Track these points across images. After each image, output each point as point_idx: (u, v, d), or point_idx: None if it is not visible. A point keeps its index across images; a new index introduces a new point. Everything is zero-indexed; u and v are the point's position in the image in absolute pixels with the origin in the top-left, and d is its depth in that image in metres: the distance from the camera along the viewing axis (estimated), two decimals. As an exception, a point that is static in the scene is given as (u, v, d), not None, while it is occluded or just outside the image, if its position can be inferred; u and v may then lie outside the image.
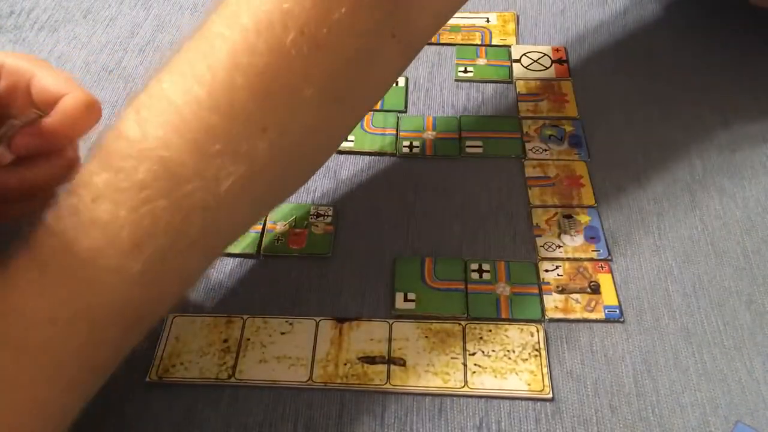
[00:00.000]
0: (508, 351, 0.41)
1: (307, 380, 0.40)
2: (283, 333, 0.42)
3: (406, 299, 0.43)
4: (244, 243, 0.46)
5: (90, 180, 0.33)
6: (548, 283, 0.44)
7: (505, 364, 0.40)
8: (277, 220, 0.47)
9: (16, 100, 0.40)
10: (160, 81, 0.35)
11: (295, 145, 0.37)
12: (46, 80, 0.40)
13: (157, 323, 0.37)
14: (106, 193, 0.33)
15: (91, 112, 0.40)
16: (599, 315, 0.43)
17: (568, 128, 0.53)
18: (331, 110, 0.39)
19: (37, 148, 0.40)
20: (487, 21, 0.62)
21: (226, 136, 0.34)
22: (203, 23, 0.36)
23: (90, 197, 0.33)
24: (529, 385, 0.40)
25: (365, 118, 0.54)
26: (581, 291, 0.44)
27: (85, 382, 0.34)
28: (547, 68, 0.58)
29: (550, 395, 0.39)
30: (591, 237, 0.46)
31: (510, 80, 0.57)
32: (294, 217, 0.48)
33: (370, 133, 0.53)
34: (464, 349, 0.41)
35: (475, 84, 0.57)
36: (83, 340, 0.33)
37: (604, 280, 0.44)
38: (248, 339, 0.42)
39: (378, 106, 0.55)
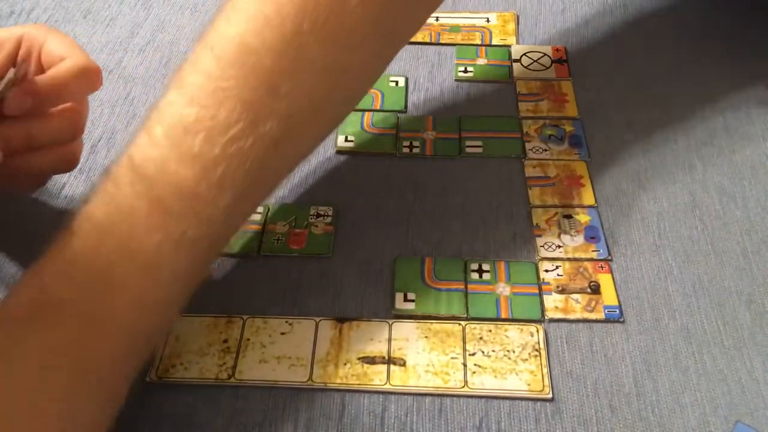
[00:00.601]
0: (508, 351, 0.41)
1: (307, 380, 0.40)
2: (283, 333, 0.42)
3: (406, 299, 0.43)
4: (244, 243, 0.46)
5: (180, 112, 0.36)
6: (548, 283, 0.44)
7: (505, 364, 0.40)
8: (277, 220, 0.48)
9: (31, 64, 0.44)
10: (228, 20, 0.38)
11: (349, 80, 0.41)
12: (53, 45, 0.43)
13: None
14: (197, 128, 0.35)
15: (84, 76, 0.43)
16: (599, 315, 0.43)
17: (568, 128, 0.53)
18: (381, 45, 0.42)
19: (31, 107, 0.41)
20: (487, 21, 0.62)
21: (293, 78, 0.37)
22: None
23: (182, 130, 0.36)
24: (529, 385, 0.40)
25: (365, 118, 0.54)
26: (581, 291, 0.44)
27: (175, 309, 0.37)
28: (547, 68, 0.58)
29: (550, 395, 0.39)
30: (591, 237, 0.46)
31: (510, 80, 0.57)
32: (294, 217, 0.48)
33: (370, 133, 0.53)
34: (464, 349, 0.41)
35: (475, 84, 0.57)
36: (186, 266, 0.36)
37: (604, 280, 0.44)
38: (248, 339, 0.42)
39: (378, 106, 0.55)
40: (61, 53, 0.43)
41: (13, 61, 0.44)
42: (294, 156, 0.42)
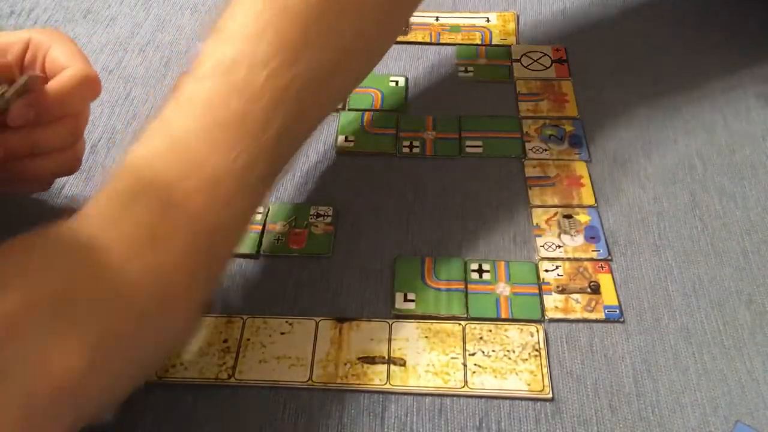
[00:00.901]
0: (508, 351, 0.41)
1: (307, 380, 0.40)
2: (283, 333, 0.42)
3: (406, 299, 0.43)
4: (244, 243, 0.46)
5: (223, 50, 0.39)
6: (548, 283, 0.44)
7: (505, 364, 0.40)
8: (277, 220, 0.48)
9: (36, 70, 0.44)
10: None
11: (371, 34, 0.44)
12: (57, 53, 0.44)
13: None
14: (240, 63, 0.38)
15: (85, 86, 0.44)
16: (599, 315, 0.43)
17: (568, 128, 0.53)
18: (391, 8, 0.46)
19: (35, 117, 0.42)
20: (487, 21, 0.62)
21: (323, 26, 0.41)
22: None
23: (228, 64, 0.38)
24: (529, 385, 0.40)
25: (365, 118, 0.54)
26: (581, 291, 0.44)
27: (232, 242, 0.39)
28: (547, 68, 0.58)
29: (550, 395, 0.39)
30: (591, 237, 0.46)
31: (510, 80, 0.57)
32: (294, 217, 0.48)
33: (370, 133, 0.53)
34: (464, 349, 0.41)
35: (475, 84, 0.57)
36: (240, 194, 0.37)
37: (604, 280, 0.44)
38: (248, 339, 0.42)
39: (378, 106, 0.55)
40: (63, 62, 0.44)
41: (20, 64, 0.44)
42: (328, 99, 0.44)
